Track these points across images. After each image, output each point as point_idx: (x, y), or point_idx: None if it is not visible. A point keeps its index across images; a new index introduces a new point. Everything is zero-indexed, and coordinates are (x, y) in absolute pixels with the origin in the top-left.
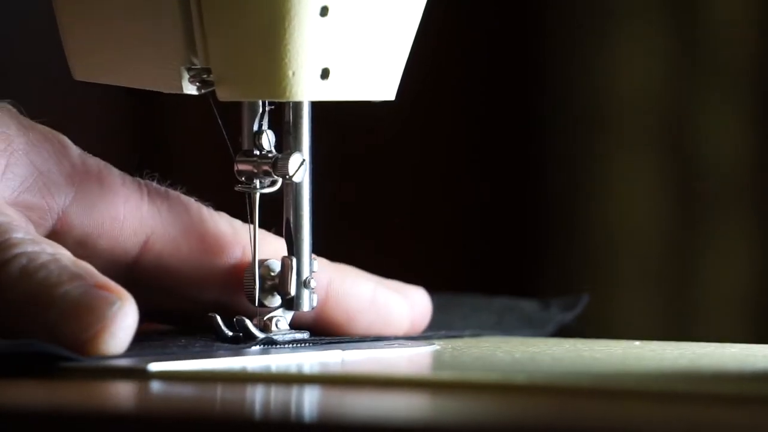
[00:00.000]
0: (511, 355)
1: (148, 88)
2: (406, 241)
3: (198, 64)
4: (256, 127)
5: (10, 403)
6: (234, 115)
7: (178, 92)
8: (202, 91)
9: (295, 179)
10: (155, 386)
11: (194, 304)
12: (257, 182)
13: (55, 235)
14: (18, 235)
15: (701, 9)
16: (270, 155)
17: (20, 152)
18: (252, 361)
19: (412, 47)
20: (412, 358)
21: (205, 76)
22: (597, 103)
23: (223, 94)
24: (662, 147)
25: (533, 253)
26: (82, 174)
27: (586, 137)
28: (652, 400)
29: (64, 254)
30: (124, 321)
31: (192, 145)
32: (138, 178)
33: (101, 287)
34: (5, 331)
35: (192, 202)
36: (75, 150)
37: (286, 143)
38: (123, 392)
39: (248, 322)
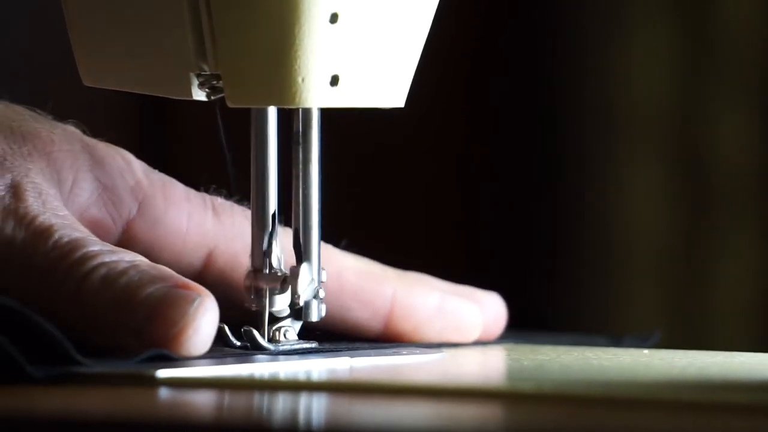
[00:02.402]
0: (519, 363)
1: (157, 94)
2: (416, 246)
3: (207, 70)
4: (265, 246)
5: (19, 409)
6: (242, 121)
7: (188, 98)
8: (212, 97)
9: (304, 298)
10: (163, 393)
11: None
12: (266, 292)
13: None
14: (95, 247)
15: (712, 13)
16: (279, 274)
17: (86, 169)
18: (260, 368)
19: (422, 54)
20: (420, 366)
21: (214, 82)
22: (608, 107)
23: (233, 101)
24: (673, 150)
25: (543, 256)
26: (146, 188)
27: (598, 140)
28: (661, 410)
29: (143, 260)
30: (205, 316)
31: (200, 151)
32: (203, 193)
33: (182, 287)
34: (94, 339)
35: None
36: (139, 165)
37: (295, 151)
38: (131, 399)
39: (256, 333)
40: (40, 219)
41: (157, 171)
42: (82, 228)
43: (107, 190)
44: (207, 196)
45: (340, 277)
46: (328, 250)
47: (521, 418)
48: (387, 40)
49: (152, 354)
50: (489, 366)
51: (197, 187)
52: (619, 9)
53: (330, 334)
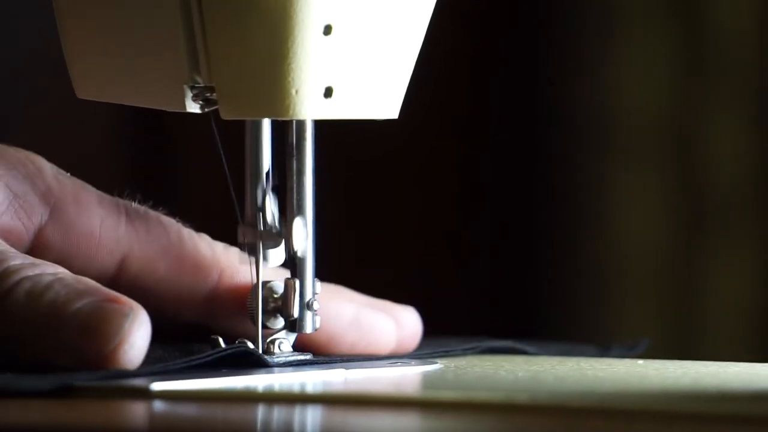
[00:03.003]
0: (514, 374)
1: (151, 107)
2: (410, 257)
3: (201, 82)
4: (259, 201)
5: (13, 423)
6: (237, 131)
7: (182, 111)
8: (206, 109)
9: (299, 248)
10: (158, 406)
11: (173, 326)
12: (260, 246)
13: (32, 255)
14: (16, 261)
15: (706, 21)
16: (274, 231)
17: None
18: (255, 380)
19: (416, 66)
20: (416, 377)
21: (208, 94)
22: (601, 116)
23: (227, 113)
24: (667, 159)
25: (537, 266)
26: (58, 194)
27: (592, 148)
28: (655, 420)
29: (66, 272)
30: (140, 331)
31: (196, 162)
32: (117, 198)
33: (111, 300)
34: (24, 356)
35: (172, 223)
36: (50, 170)
37: (289, 163)
38: (126, 412)
39: (250, 345)
40: None
41: (69, 175)
42: None
43: (18, 197)
44: (120, 201)
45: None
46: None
47: (516, 429)
48: (380, 51)
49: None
50: (484, 377)
51: (194, 199)
52: (613, 16)
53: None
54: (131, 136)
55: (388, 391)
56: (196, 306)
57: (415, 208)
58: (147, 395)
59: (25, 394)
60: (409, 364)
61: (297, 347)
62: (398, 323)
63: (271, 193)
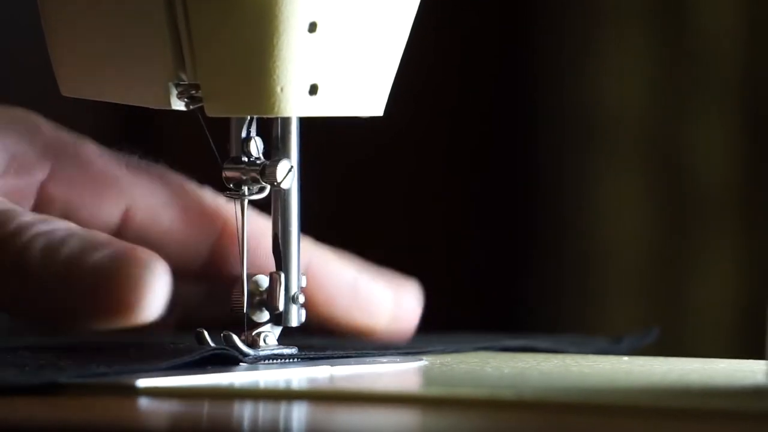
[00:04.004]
0: (499, 371)
1: (136, 104)
2: (397, 253)
3: (186, 80)
4: (244, 134)
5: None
6: (223, 128)
7: (167, 108)
8: (191, 107)
9: (284, 186)
10: (143, 402)
11: (178, 278)
12: (245, 189)
13: (36, 211)
14: (26, 218)
15: (690, 22)
16: (258, 162)
17: None
18: (240, 376)
19: (401, 63)
20: (401, 374)
21: (193, 92)
22: (585, 116)
23: (212, 110)
24: (651, 159)
25: (522, 265)
26: (57, 148)
27: (575, 150)
28: (641, 416)
29: (77, 227)
30: (162, 282)
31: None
32: (117, 153)
33: (129, 251)
34: (43, 312)
35: (173, 175)
36: (48, 126)
37: (275, 157)
38: (111, 409)
39: (236, 338)
40: None
41: (67, 131)
42: (4, 199)
43: (17, 156)
44: (120, 155)
45: (258, 242)
46: (254, 215)
47: (502, 426)
48: (366, 49)
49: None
50: (469, 374)
51: None
52: (597, 16)
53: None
54: (117, 133)
55: (374, 387)
56: (201, 255)
57: (401, 206)
58: (132, 392)
59: (11, 391)
60: (395, 361)
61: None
62: (397, 296)
63: (255, 134)
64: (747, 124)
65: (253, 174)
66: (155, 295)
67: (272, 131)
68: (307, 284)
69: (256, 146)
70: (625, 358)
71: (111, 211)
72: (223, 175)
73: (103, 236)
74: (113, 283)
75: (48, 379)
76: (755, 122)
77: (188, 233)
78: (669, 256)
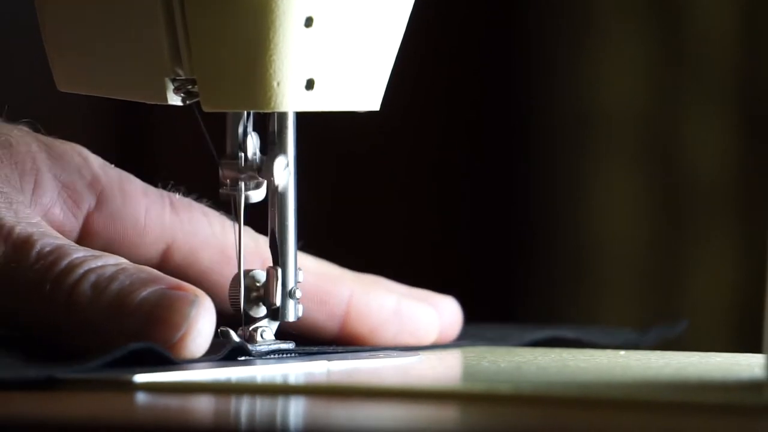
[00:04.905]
0: (496, 365)
1: (132, 99)
2: (393, 247)
3: (183, 74)
4: (240, 131)
5: None
6: (219, 123)
7: (163, 103)
8: (187, 102)
9: (280, 182)
10: (140, 398)
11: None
12: (242, 186)
13: (79, 243)
14: (79, 254)
15: (684, 19)
16: (254, 159)
17: (45, 169)
18: (237, 372)
19: (397, 58)
20: (398, 369)
21: (189, 87)
22: (581, 114)
23: (208, 105)
24: (646, 156)
25: (519, 261)
26: (104, 183)
27: (571, 148)
28: (638, 410)
29: (128, 263)
30: (206, 318)
31: (178, 153)
32: (161, 189)
33: (176, 288)
34: (91, 349)
35: (215, 215)
36: (96, 160)
37: (271, 152)
38: (109, 404)
39: (233, 333)
40: (17, 230)
41: (113, 166)
42: (57, 234)
43: (66, 187)
44: (164, 192)
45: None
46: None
47: (499, 420)
48: (362, 43)
49: (133, 348)
50: (467, 368)
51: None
52: (592, 13)
53: (288, 335)
54: (113, 129)
55: (371, 382)
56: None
57: (395, 201)
58: (130, 387)
59: (8, 385)
60: (392, 356)
61: (340, 338)
62: (439, 312)
63: (251, 130)
64: (742, 121)
65: (250, 171)
66: (202, 331)
67: (269, 126)
68: (352, 317)
69: (253, 143)
70: (622, 352)
71: (151, 250)
72: (220, 172)
73: (153, 272)
74: (158, 321)
75: (46, 374)
76: (750, 118)
77: (226, 273)
78: (665, 251)
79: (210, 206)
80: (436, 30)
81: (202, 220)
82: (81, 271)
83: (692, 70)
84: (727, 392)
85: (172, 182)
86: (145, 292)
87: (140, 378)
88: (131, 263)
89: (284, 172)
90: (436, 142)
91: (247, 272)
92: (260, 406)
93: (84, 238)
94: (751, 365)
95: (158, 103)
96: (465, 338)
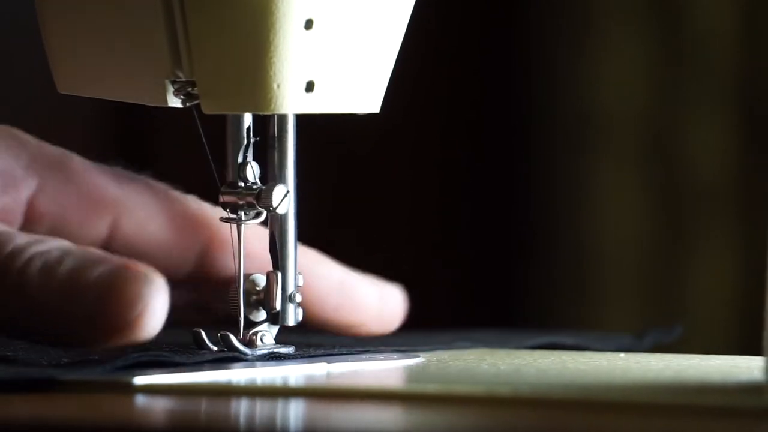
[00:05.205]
0: (496, 368)
1: (132, 101)
2: (391, 251)
3: (183, 77)
4: (240, 159)
5: None
6: (218, 127)
7: (163, 105)
8: (187, 104)
9: (279, 211)
10: (140, 400)
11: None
12: (242, 214)
13: (25, 227)
14: (21, 240)
15: (684, 17)
16: (254, 187)
17: None
18: (237, 374)
19: (397, 62)
20: (398, 371)
21: (189, 89)
22: (581, 114)
23: (208, 107)
24: (647, 156)
25: (518, 262)
26: (43, 163)
27: (571, 147)
28: (638, 412)
29: (72, 245)
30: (161, 297)
31: (178, 155)
32: (103, 164)
33: (126, 267)
34: (44, 333)
35: (158, 185)
36: (32, 141)
37: (271, 156)
38: (108, 406)
39: (233, 337)
40: None
41: (52, 145)
42: None
43: (4, 173)
44: (107, 167)
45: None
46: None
47: (499, 422)
48: (362, 45)
49: (130, 361)
50: (466, 370)
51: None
52: (591, 12)
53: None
54: (113, 131)
55: (371, 384)
56: (188, 265)
57: (396, 203)
58: (129, 389)
59: (7, 388)
60: (392, 358)
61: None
62: (382, 294)
63: (251, 159)
64: (742, 121)
65: (249, 199)
66: (156, 310)
67: (269, 129)
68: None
69: (252, 171)
70: (622, 354)
71: (98, 224)
72: (220, 199)
73: (98, 253)
74: (113, 299)
75: (45, 376)
76: (751, 119)
77: (175, 241)
78: (665, 253)
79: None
80: (436, 30)
81: (147, 190)
82: (26, 256)
83: (693, 70)
84: (726, 395)
85: (111, 156)
86: (95, 272)
87: (140, 380)
88: (75, 245)
89: (284, 201)
90: (436, 142)
91: (247, 276)
92: (260, 408)
93: (29, 221)
94: (750, 368)
95: (158, 105)
96: (463, 341)
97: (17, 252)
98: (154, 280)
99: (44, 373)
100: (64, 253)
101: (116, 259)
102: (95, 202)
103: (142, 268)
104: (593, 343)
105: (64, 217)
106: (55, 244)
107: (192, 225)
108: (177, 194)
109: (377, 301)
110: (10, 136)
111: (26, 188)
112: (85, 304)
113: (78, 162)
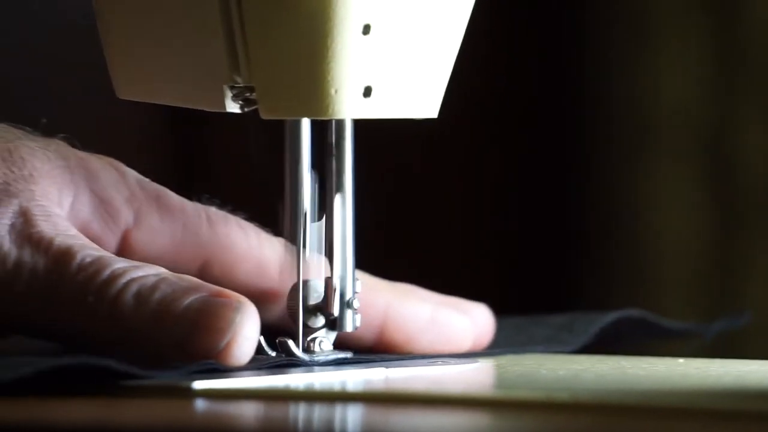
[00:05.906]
0: (554, 373)
1: (191, 107)
2: (450, 252)
3: (241, 82)
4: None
5: (54, 421)
6: (278, 132)
7: (221, 111)
8: (245, 109)
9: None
10: (199, 404)
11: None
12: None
13: None
14: (120, 264)
15: (740, 18)
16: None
17: (83, 184)
18: (295, 378)
19: (455, 64)
20: (456, 376)
21: (248, 94)
22: (639, 113)
23: (266, 113)
24: (704, 156)
25: (576, 263)
26: (141, 199)
27: (628, 147)
28: (697, 419)
29: (168, 272)
30: (250, 323)
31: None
32: (197, 203)
33: (218, 295)
34: (135, 358)
35: (251, 227)
36: (132, 175)
37: (329, 163)
38: (168, 411)
39: (291, 343)
40: (57, 242)
41: (150, 181)
42: (96, 246)
43: (104, 203)
44: (201, 206)
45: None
46: (324, 262)
47: (557, 428)
48: (420, 50)
49: (199, 368)
50: (525, 376)
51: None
52: (648, 15)
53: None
54: (168, 137)
55: (429, 389)
56: (275, 308)
57: (454, 206)
58: (189, 394)
59: (68, 391)
60: (450, 363)
61: (376, 348)
62: (473, 320)
63: (305, 246)
64: None
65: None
66: (247, 337)
67: (327, 135)
68: (388, 326)
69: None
70: (681, 360)
71: (188, 265)
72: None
73: (194, 281)
74: (203, 327)
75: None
76: None
77: (263, 286)
78: (723, 256)
79: (263, 216)
80: (489, 35)
81: (239, 233)
82: (123, 281)
83: (748, 71)
84: None
85: (207, 195)
86: (188, 300)
87: (199, 385)
88: (171, 273)
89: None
90: (492, 144)
91: (305, 282)
92: (318, 412)
93: (121, 254)
94: None
95: (216, 111)
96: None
97: (114, 277)
98: (246, 308)
99: (101, 378)
100: (160, 280)
101: (210, 287)
102: (187, 243)
103: (235, 296)
104: (662, 322)
105: (153, 256)
106: (152, 271)
107: (281, 271)
108: (267, 237)
109: (470, 332)
110: (113, 169)
111: (123, 221)
112: (176, 332)
113: (175, 199)
